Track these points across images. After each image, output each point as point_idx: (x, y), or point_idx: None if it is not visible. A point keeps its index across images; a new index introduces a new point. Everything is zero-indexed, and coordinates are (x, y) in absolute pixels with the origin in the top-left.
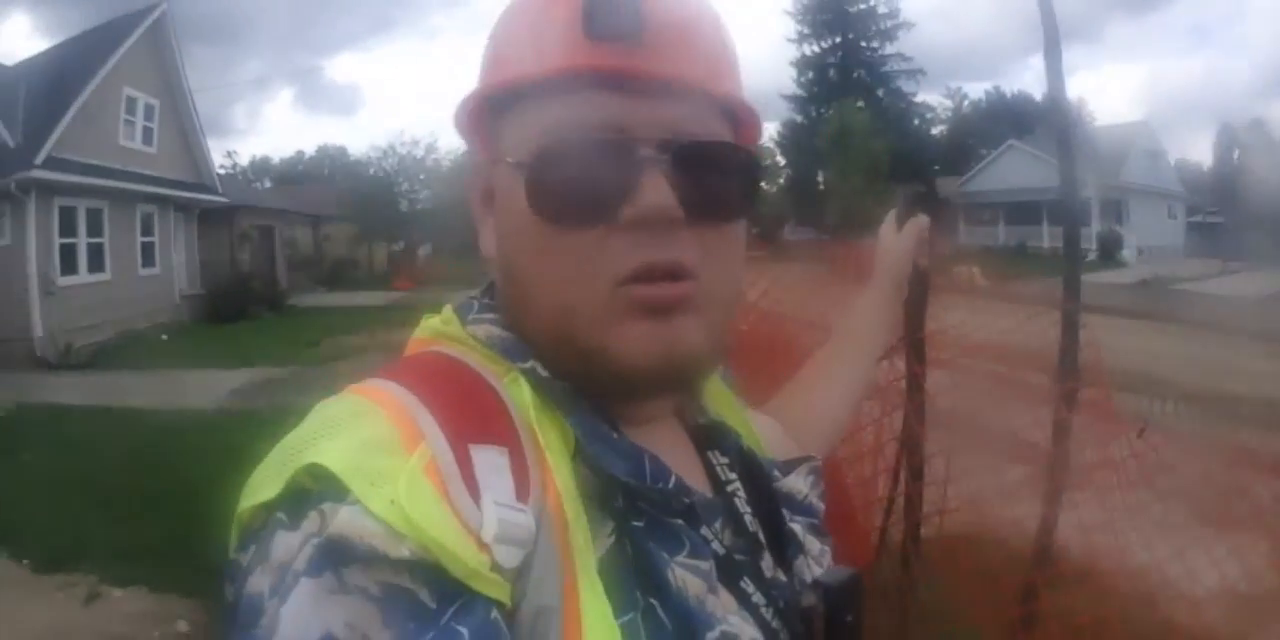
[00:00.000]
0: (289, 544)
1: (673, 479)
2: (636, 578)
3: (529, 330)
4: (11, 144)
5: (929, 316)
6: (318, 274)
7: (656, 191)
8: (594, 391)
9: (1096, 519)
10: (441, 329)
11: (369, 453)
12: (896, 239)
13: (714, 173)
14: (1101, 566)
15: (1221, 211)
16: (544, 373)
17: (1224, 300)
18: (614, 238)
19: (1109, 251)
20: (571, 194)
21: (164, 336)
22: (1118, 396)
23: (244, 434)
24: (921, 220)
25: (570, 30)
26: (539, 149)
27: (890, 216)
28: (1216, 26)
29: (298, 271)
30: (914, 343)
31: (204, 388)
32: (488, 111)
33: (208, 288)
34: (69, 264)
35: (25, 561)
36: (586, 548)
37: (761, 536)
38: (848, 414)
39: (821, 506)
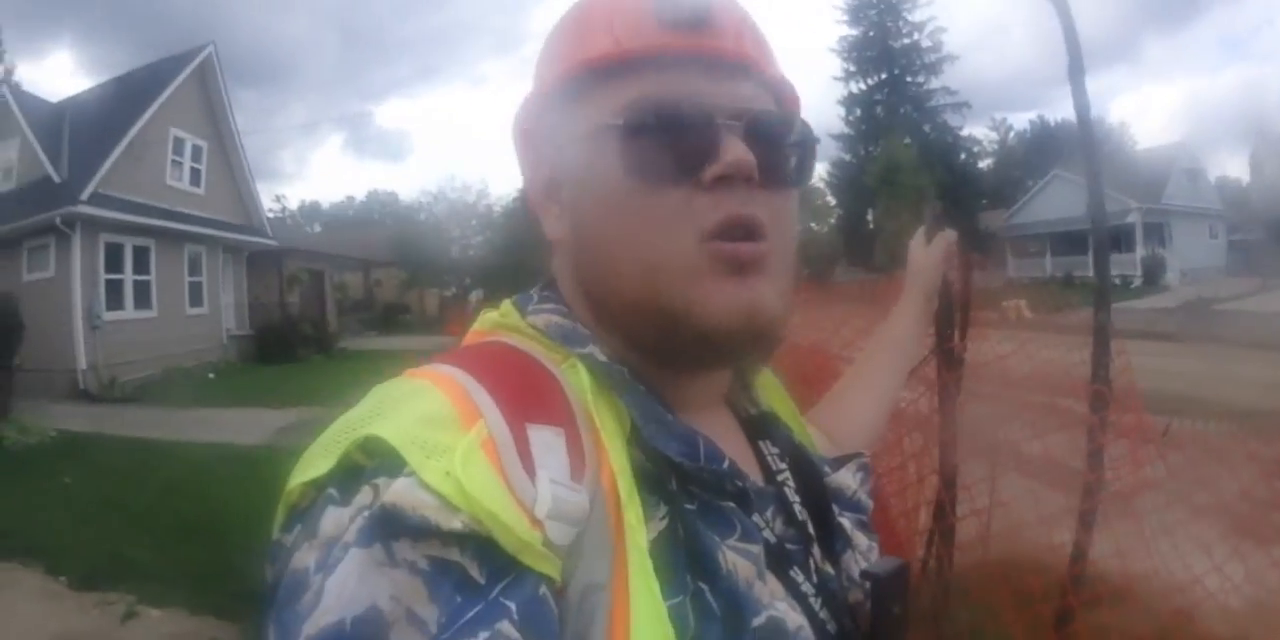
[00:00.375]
0: (339, 519)
1: (726, 461)
2: (687, 561)
3: (609, 298)
4: (57, 179)
5: (971, 341)
6: (369, 318)
7: (737, 150)
8: (665, 362)
9: (1135, 536)
10: (500, 320)
11: (426, 427)
12: (925, 253)
13: (780, 142)
14: (1139, 583)
15: (1261, 227)
16: (601, 358)
17: (1264, 317)
18: (698, 197)
19: (1153, 276)
20: (662, 153)
21: (210, 375)
22: (1160, 419)
23: (287, 469)
24: (949, 235)
25: (645, 18)
26: (633, 114)
27: (919, 232)
28: (1246, 37)
29: (348, 315)
30: (944, 352)
31: (249, 425)
32: (555, 103)
33: (256, 329)
34: (115, 300)
35: (62, 578)
36: (639, 528)
37: (811, 528)
38: (882, 420)
39: (870, 503)
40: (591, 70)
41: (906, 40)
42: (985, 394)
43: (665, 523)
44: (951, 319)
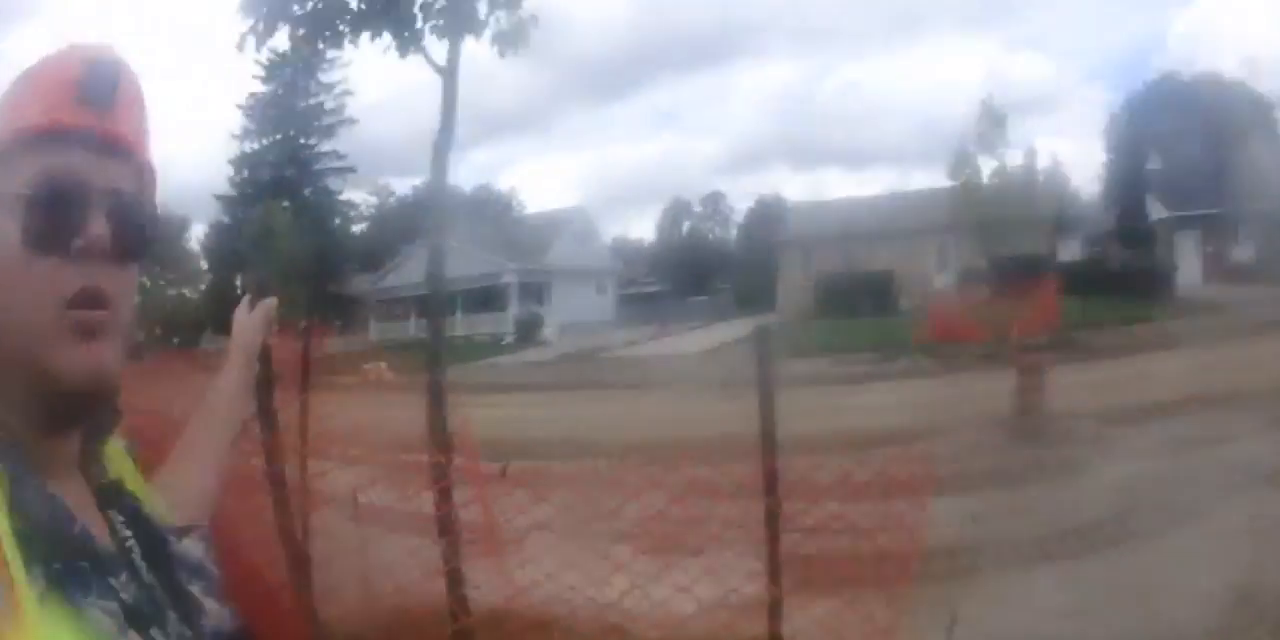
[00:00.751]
0: None
1: (78, 525)
2: (62, 618)
3: None
4: None
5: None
6: None
7: (100, 228)
8: (31, 424)
9: (531, 570)
10: None
11: None
12: (248, 319)
13: (134, 221)
14: (553, 608)
15: (662, 280)
16: None
17: (663, 360)
18: (64, 267)
19: (529, 333)
20: (44, 225)
21: None
22: (540, 463)
23: None
24: (270, 302)
25: (65, 95)
26: (33, 186)
27: (245, 300)
28: (684, 111)
29: None
30: (267, 415)
31: None
32: None
33: None
34: None
35: None
36: (25, 586)
37: (161, 593)
38: (212, 486)
39: (216, 572)
40: (15, 141)
41: (312, 101)
42: (339, 453)
43: (42, 581)
44: (272, 383)
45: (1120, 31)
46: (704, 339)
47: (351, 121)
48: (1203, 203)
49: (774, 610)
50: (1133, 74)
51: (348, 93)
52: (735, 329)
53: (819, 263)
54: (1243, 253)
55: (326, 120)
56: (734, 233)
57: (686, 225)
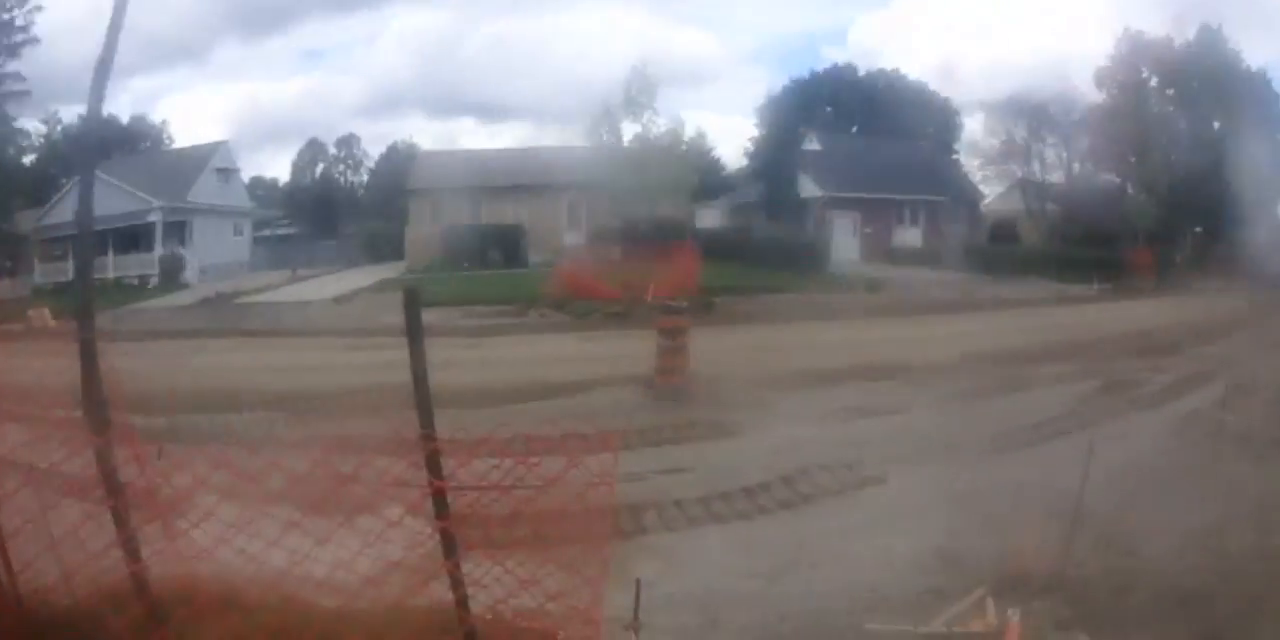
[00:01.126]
0: None
1: None
2: None
3: None
4: None
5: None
6: None
7: None
8: None
9: (201, 542)
10: None
11: None
12: None
13: None
14: (232, 583)
15: (295, 223)
16: None
17: (297, 306)
18: None
19: (172, 274)
20: None
21: None
22: (203, 417)
23: None
24: None
25: None
26: None
27: None
28: (333, 51)
29: None
30: None
31: None
32: None
33: None
34: None
35: None
36: None
37: None
38: None
39: None
40: None
41: (5, 15)
42: (9, 412)
43: None
44: None
45: (794, 22)
46: (335, 285)
47: (35, 41)
48: (862, 187)
49: (454, 581)
50: (800, 62)
51: (38, 8)
52: (365, 276)
53: (448, 213)
54: (908, 237)
55: (15, 38)
56: (365, 178)
57: (320, 167)
